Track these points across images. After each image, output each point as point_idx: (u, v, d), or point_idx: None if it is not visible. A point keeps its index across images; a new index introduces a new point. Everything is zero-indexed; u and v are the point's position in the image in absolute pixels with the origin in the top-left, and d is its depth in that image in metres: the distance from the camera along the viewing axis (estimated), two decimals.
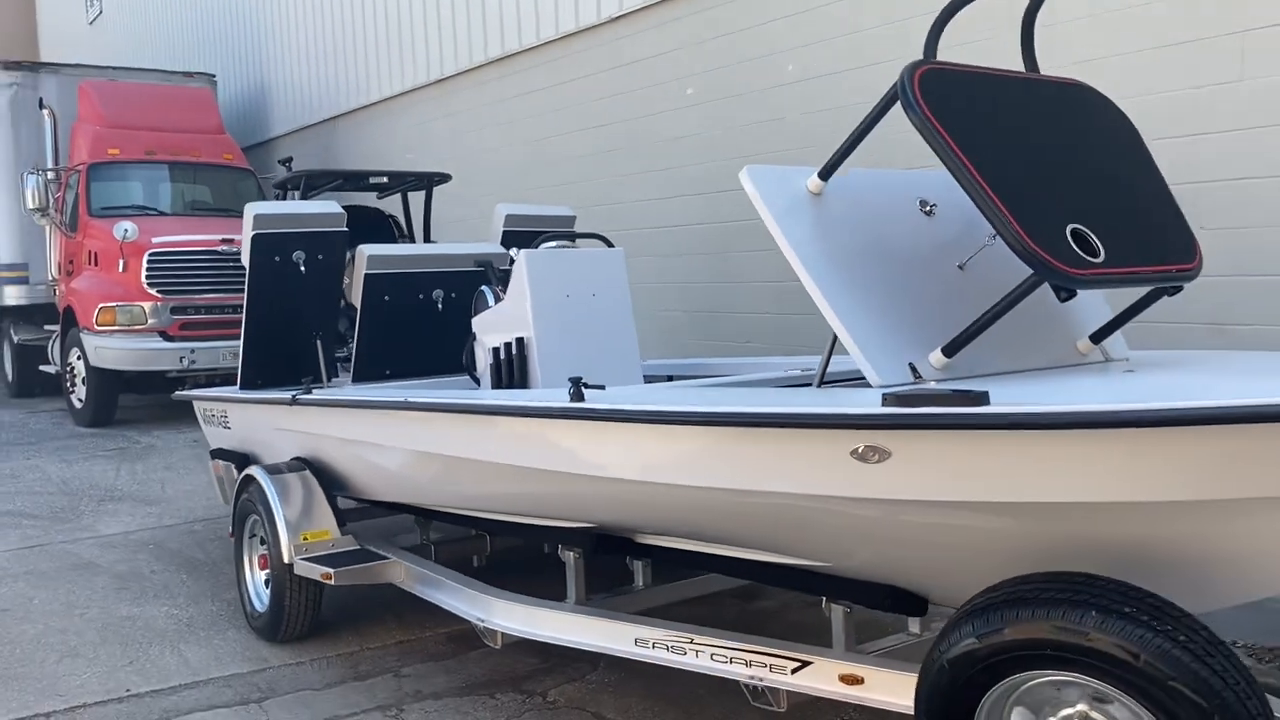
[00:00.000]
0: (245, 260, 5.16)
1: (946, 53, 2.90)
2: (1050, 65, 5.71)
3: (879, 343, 2.70)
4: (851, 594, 3.09)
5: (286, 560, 4.34)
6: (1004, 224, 2.48)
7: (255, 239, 5.11)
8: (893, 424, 2.23)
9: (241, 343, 5.28)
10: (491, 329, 4.56)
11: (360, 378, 5.35)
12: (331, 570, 4.18)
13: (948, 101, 2.66)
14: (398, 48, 11.67)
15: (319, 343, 5.40)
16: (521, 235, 5.92)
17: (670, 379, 4.79)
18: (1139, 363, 3.18)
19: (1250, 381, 2.58)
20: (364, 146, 12.65)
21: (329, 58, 13.19)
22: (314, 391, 4.63)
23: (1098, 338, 3.10)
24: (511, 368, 4.40)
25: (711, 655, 3.17)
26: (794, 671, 3.00)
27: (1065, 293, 2.61)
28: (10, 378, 13.75)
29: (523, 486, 3.44)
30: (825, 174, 2.91)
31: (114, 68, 14.00)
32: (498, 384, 4.48)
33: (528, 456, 3.22)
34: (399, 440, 3.93)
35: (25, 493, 7.85)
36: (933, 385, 2.58)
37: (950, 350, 2.71)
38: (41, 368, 12.57)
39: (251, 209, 5.14)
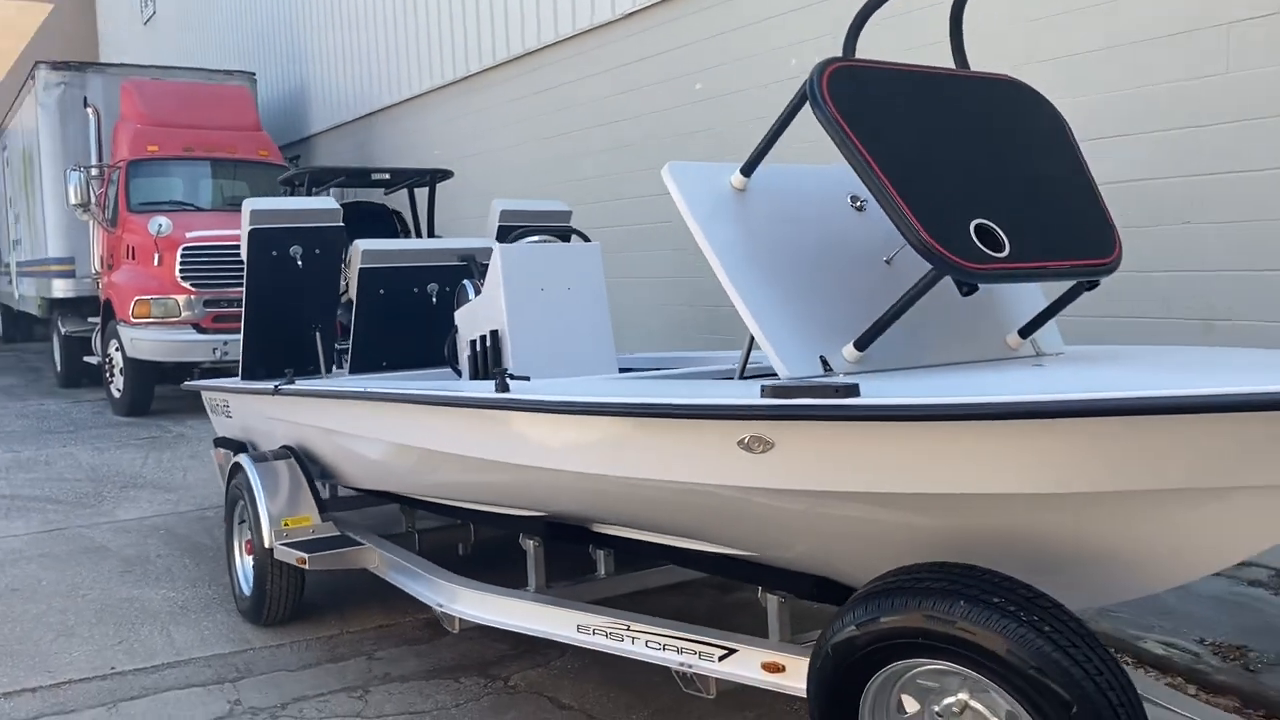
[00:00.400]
0: (243, 254, 5.32)
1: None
2: (1038, 58, 5.68)
3: (790, 336, 2.74)
4: (782, 583, 3.14)
5: (267, 545, 4.48)
6: (902, 219, 2.51)
7: (252, 234, 5.26)
8: (765, 415, 2.29)
9: (242, 334, 5.44)
10: (470, 322, 4.66)
11: (357, 369, 5.48)
12: (306, 555, 4.31)
13: (858, 99, 2.69)
14: (425, 46, 11.84)
15: (318, 334, 5.55)
16: (516, 230, 6.02)
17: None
18: (1074, 357, 3.18)
19: (1164, 376, 2.58)
20: (397, 143, 12.86)
21: (364, 55, 13.41)
22: (297, 383, 4.76)
23: (1026, 332, 3.11)
24: (487, 359, 4.49)
25: (646, 642, 3.24)
26: (720, 659, 3.05)
27: (966, 287, 2.62)
28: (59, 368, 14.19)
29: (463, 475, 3.53)
30: (747, 170, 2.95)
31: (157, 67, 14.36)
32: (475, 375, 4.58)
33: (460, 445, 3.31)
34: (359, 428, 4.05)
35: (55, 479, 8.13)
36: (814, 377, 2.62)
37: (861, 344, 2.74)
38: (85, 358, 12.97)
39: (248, 204, 5.29)
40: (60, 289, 13.60)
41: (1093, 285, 2.93)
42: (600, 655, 3.77)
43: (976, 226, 2.60)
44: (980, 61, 5.93)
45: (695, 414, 2.44)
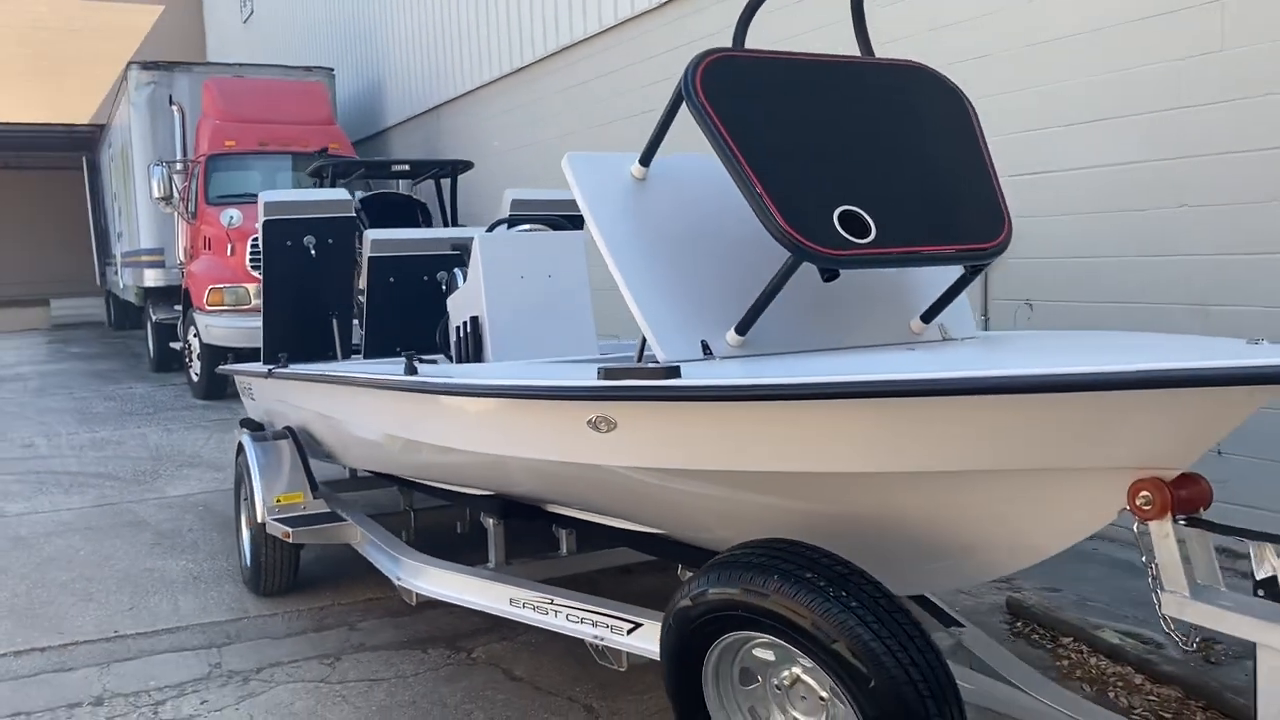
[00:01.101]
0: (260, 244, 5.60)
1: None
2: (1032, 39, 5.55)
3: (671, 322, 2.83)
4: (696, 560, 3.23)
5: (260, 519, 4.74)
6: (760, 207, 2.57)
7: (266, 225, 5.53)
8: (600, 395, 2.38)
9: (262, 320, 5.72)
10: (457, 308, 4.83)
11: (370, 354, 5.72)
12: (291, 530, 4.55)
13: (735, 90, 2.75)
14: (485, 38, 12.09)
15: (335, 321, 5.81)
16: (527, 219, 6.18)
17: None
18: (978, 340, 3.19)
19: (1042, 358, 2.59)
20: (460, 135, 13.17)
21: (431, 48, 13.75)
22: (290, 367, 5.01)
23: (928, 317, 3.12)
24: (468, 345, 4.66)
25: (566, 615, 3.36)
26: (629, 632, 3.16)
27: (828, 273, 2.67)
28: (151, 353, 14.95)
29: (401, 454, 3.70)
30: (645, 160, 3.04)
31: (239, 64, 14.96)
32: (458, 361, 4.75)
33: (386, 425, 3.49)
34: (327, 410, 4.26)
35: (122, 457, 8.63)
36: (652, 360, 2.70)
37: (741, 329, 2.81)
38: (171, 344, 13.63)
39: (263, 197, 5.56)
40: (151, 278, 14.30)
41: (976, 270, 2.93)
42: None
43: (842, 213, 2.64)
44: (970, 46, 5.86)
45: (546, 395, 2.55)
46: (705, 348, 2.83)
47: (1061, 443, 2.09)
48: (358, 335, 5.97)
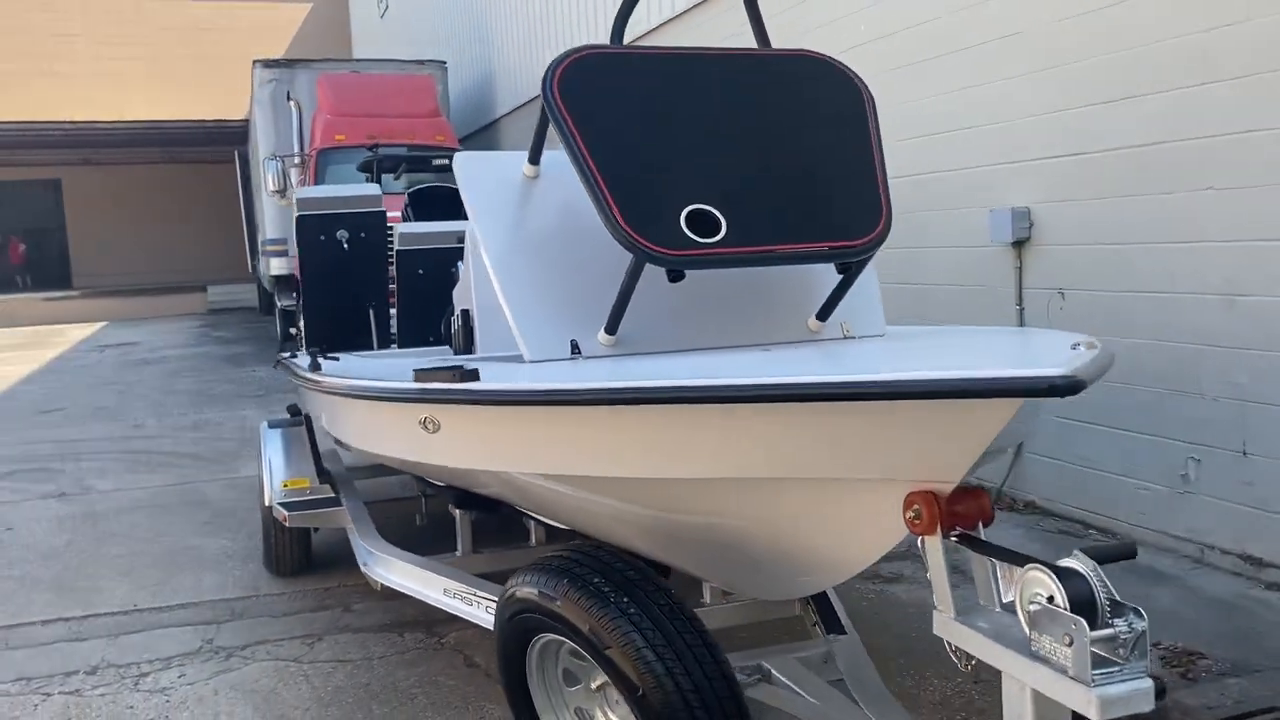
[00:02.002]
0: (295, 239, 5.84)
1: None
2: (1059, 13, 5.24)
3: (541, 321, 2.84)
4: None
5: (267, 503, 4.97)
6: (601, 207, 2.56)
7: (299, 220, 5.77)
8: (412, 398, 2.42)
9: (301, 311, 5.98)
10: (458, 300, 4.95)
11: (404, 344, 5.91)
12: (288, 513, 4.75)
13: (597, 89, 2.73)
14: (585, 23, 12.20)
15: (371, 311, 6.02)
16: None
17: None
18: (882, 339, 3.08)
19: (891, 360, 2.50)
20: None
21: (538, 36, 13.96)
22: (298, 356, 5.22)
23: (823, 315, 3.03)
24: (461, 338, 4.77)
25: (486, 608, 3.42)
26: None
27: (673, 274, 2.63)
28: (279, 339, 15.74)
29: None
30: (533, 159, 3.05)
31: (355, 60, 15.54)
32: (457, 352, 4.87)
33: (322, 420, 3.61)
34: (306, 403, 4.43)
35: (215, 439, 9.15)
36: (478, 359, 2.70)
37: (610, 329, 2.80)
38: (290, 330, 14.31)
39: (296, 194, 5.80)
40: (276, 267, 15.05)
41: (845, 267, 2.83)
42: None
43: (690, 213, 2.60)
44: (1000, 25, 5.57)
45: (376, 395, 2.61)
46: (575, 347, 2.83)
47: (836, 453, 2.02)
48: None
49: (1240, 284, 4.50)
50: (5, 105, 25.50)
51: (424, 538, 4.48)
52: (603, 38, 11.78)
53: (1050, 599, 1.70)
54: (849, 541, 2.20)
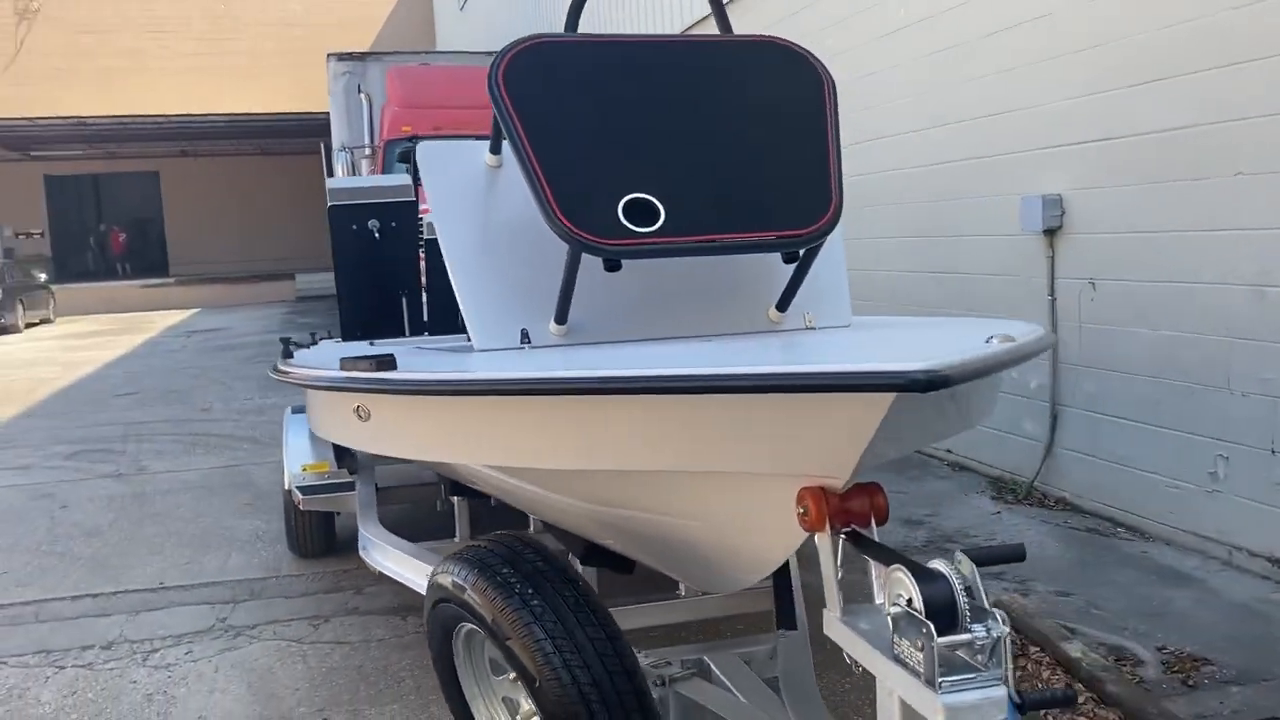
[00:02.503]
0: (329, 229, 5.96)
1: None
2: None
3: (492, 309, 2.85)
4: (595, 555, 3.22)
5: (286, 486, 5.08)
6: (538, 196, 2.55)
7: (331, 210, 5.88)
8: (339, 386, 2.45)
9: (338, 299, 6.10)
10: None
11: (435, 331, 5.99)
12: (303, 496, 4.85)
13: (543, 78, 2.72)
14: (666, 10, 12.18)
15: (404, 299, 6.12)
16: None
17: None
18: (856, 328, 3.02)
19: (842, 352, 2.45)
20: None
21: (610, 24, 13.98)
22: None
23: (782, 306, 2.98)
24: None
25: None
26: None
27: (609, 263, 2.60)
28: None
29: None
30: (494, 148, 3.06)
31: (425, 52, 15.74)
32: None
33: None
34: None
35: (273, 423, 9.34)
36: (442, 347, 2.70)
37: (559, 318, 2.80)
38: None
39: (328, 184, 5.91)
40: None
41: (792, 256, 2.77)
42: None
43: (630, 202, 2.57)
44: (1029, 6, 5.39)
45: (318, 385, 2.65)
46: (525, 336, 2.83)
47: (725, 447, 1.98)
48: None
49: (1272, 274, 4.29)
50: (107, 101, 26.49)
51: (448, 524, 4.52)
52: (678, 26, 11.73)
53: (910, 601, 1.64)
54: (757, 538, 2.16)
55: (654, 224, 2.55)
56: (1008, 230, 5.69)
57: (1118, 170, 4.99)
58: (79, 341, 18.90)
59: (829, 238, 3.00)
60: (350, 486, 4.99)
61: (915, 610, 1.61)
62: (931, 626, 1.55)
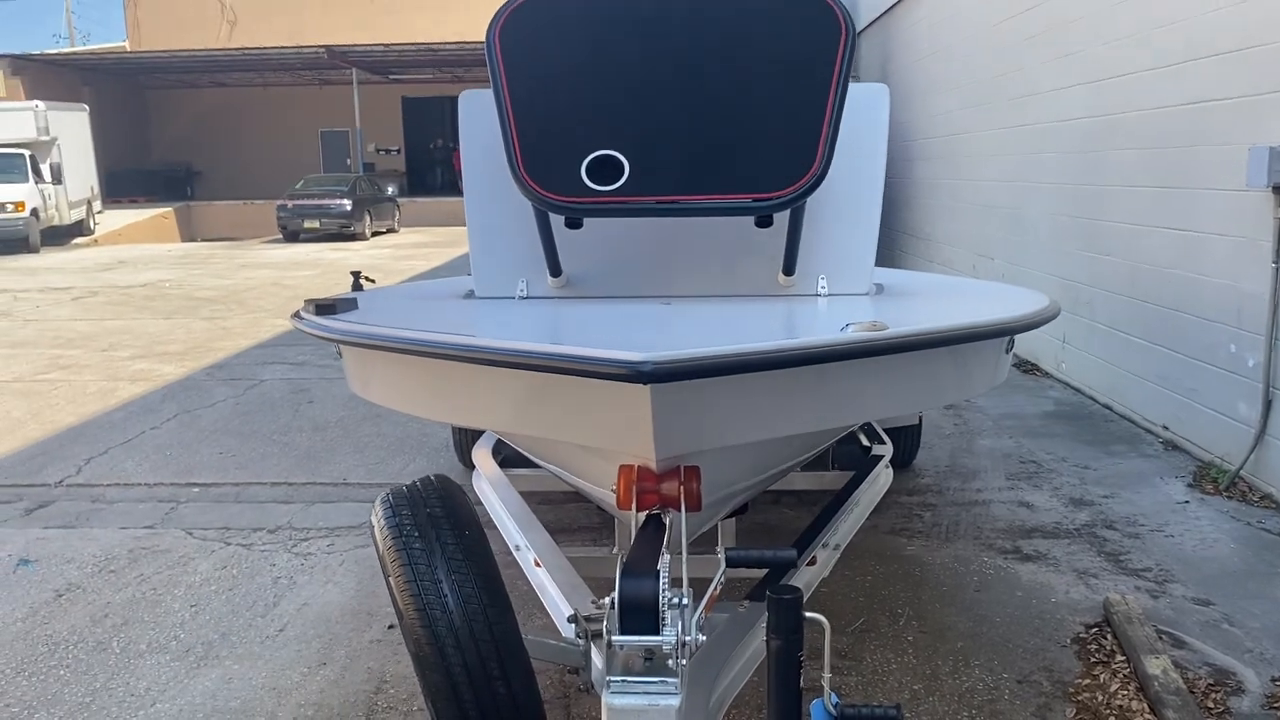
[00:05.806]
0: None
1: None
2: None
3: (497, 259, 2.95)
4: None
5: None
6: (508, 152, 2.61)
7: None
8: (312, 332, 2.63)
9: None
10: None
11: None
12: None
13: (538, 35, 2.74)
14: None
15: None
16: None
17: None
18: (873, 296, 2.85)
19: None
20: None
21: None
22: None
23: (788, 270, 2.85)
24: None
25: None
26: None
27: (571, 221, 2.61)
28: None
29: None
30: None
31: None
32: None
33: None
34: None
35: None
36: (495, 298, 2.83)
37: (553, 272, 2.86)
38: None
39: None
40: None
41: (765, 220, 2.63)
42: None
43: (596, 159, 2.55)
44: None
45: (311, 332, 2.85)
46: (526, 287, 2.92)
47: (560, 420, 1.99)
48: None
49: None
50: (451, 28, 28.50)
51: None
52: None
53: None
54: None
55: (615, 181, 2.53)
56: (1232, 184, 4.98)
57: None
58: (411, 251, 20.82)
59: (860, 199, 2.84)
60: None
61: (608, 606, 1.57)
62: (602, 626, 1.52)
